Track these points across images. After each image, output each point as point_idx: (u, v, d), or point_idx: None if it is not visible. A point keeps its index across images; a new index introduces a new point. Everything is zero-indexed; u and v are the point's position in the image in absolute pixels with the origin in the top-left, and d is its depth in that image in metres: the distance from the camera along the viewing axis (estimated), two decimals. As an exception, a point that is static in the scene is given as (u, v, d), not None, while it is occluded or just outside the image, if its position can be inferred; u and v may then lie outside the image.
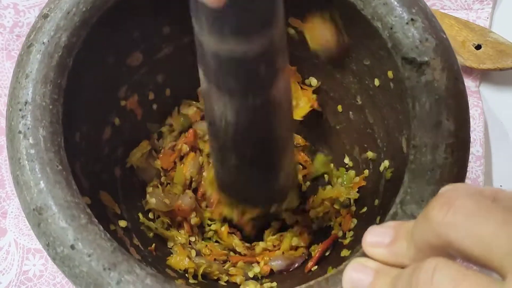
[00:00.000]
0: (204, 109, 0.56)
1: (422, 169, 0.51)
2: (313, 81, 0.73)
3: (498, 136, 0.86)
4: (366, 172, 0.70)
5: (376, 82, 0.64)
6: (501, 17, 0.90)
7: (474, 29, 0.86)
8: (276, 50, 0.48)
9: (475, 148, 0.83)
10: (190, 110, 0.76)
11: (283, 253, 0.72)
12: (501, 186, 0.84)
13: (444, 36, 0.55)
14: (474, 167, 0.82)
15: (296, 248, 0.72)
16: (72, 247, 0.50)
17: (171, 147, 0.76)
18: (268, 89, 0.51)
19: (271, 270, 0.72)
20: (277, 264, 0.71)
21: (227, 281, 0.70)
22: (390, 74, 0.59)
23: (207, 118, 0.57)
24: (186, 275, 0.67)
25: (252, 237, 0.75)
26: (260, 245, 0.72)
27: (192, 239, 0.73)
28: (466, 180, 0.80)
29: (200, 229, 0.75)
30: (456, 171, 0.52)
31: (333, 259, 0.68)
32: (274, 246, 0.73)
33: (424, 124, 0.52)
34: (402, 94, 0.56)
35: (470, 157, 0.81)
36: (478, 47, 0.85)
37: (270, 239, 0.72)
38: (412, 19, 0.55)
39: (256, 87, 0.50)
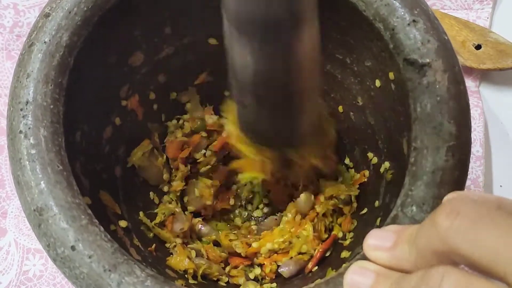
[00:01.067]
0: (226, 53, 0.54)
1: (423, 171, 0.51)
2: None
3: (498, 136, 0.86)
4: (367, 172, 0.70)
5: (377, 83, 0.63)
6: (501, 17, 0.90)
7: (474, 29, 0.86)
8: None
9: (475, 148, 0.83)
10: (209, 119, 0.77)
11: (291, 258, 0.71)
12: (501, 186, 0.84)
13: (446, 38, 0.55)
14: (474, 167, 0.82)
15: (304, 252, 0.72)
16: (73, 248, 0.50)
17: (182, 141, 0.76)
18: (289, 34, 0.49)
19: (276, 273, 0.72)
20: (287, 270, 0.70)
21: (227, 282, 0.70)
22: (391, 75, 0.59)
23: (228, 61, 0.55)
24: (186, 275, 0.67)
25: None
26: (267, 246, 0.72)
27: (187, 241, 0.73)
28: (467, 181, 0.80)
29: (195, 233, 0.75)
30: (457, 173, 0.52)
31: (333, 260, 0.68)
32: (282, 249, 0.72)
33: (425, 126, 0.52)
34: (403, 96, 0.56)
35: (470, 158, 0.81)
36: (478, 47, 0.85)
37: (277, 241, 0.72)
38: (414, 21, 0.55)
39: (276, 33, 0.49)
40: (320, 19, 0.65)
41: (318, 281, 0.50)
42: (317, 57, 0.56)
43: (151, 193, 0.74)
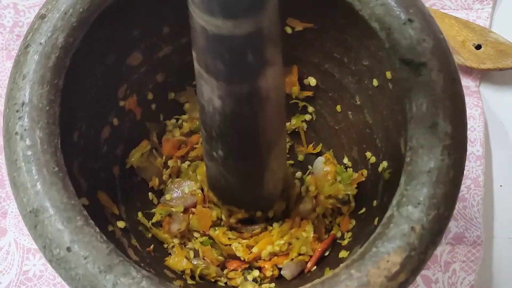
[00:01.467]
0: (197, 94, 0.55)
1: (419, 171, 0.51)
2: (312, 81, 0.73)
3: (498, 136, 0.86)
4: (365, 172, 0.70)
5: (375, 82, 0.63)
6: (501, 17, 0.90)
7: (474, 29, 0.86)
8: (265, 39, 0.47)
9: (475, 148, 0.83)
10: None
11: (292, 259, 0.71)
12: (501, 186, 0.84)
13: (442, 37, 0.55)
14: (474, 167, 0.82)
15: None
16: (68, 249, 0.50)
17: (180, 140, 0.76)
18: (255, 79, 0.50)
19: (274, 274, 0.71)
20: (289, 272, 0.70)
21: (225, 283, 0.70)
22: (388, 74, 0.59)
23: (198, 103, 0.56)
24: (184, 276, 0.67)
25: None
26: (268, 249, 0.71)
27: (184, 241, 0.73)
28: (466, 180, 0.80)
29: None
30: (453, 173, 0.51)
31: (331, 260, 0.68)
32: (282, 251, 0.72)
33: (421, 125, 0.52)
34: (400, 95, 0.56)
35: (470, 157, 0.82)
36: (478, 47, 0.85)
37: (278, 243, 0.71)
38: (409, 20, 0.55)
39: (242, 73, 0.49)
40: (318, 18, 0.66)
41: (315, 281, 0.50)
42: (283, 105, 0.57)
43: (149, 193, 0.74)
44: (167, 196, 0.74)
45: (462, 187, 0.77)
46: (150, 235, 0.70)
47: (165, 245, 0.71)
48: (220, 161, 0.60)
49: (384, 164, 0.65)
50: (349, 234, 0.69)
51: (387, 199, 0.61)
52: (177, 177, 0.76)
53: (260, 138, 0.57)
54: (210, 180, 0.65)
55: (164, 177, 0.75)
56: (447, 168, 0.51)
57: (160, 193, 0.75)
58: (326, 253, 0.71)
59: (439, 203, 0.50)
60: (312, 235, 0.70)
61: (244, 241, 0.71)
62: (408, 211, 0.50)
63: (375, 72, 0.63)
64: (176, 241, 0.71)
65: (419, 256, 0.49)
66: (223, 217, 0.70)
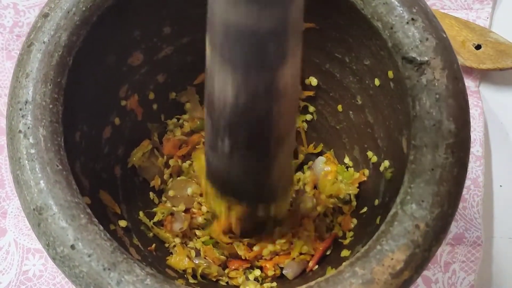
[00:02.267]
0: (205, 83, 0.53)
1: (422, 169, 0.51)
2: (313, 81, 0.73)
3: (498, 136, 0.86)
4: (366, 171, 0.70)
5: (376, 82, 0.63)
6: (501, 17, 0.90)
7: (474, 29, 0.86)
8: (288, 31, 0.46)
9: (475, 148, 0.83)
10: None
11: (293, 258, 0.71)
12: (500, 186, 0.84)
13: (444, 36, 0.55)
14: (474, 167, 0.82)
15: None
16: (72, 247, 0.49)
17: (181, 140, 0.76)
18: (274, 71, 0.48)
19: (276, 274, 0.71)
20: (291, 272, 0.70)
21: (227, 283, 0.70)
22: (390, 74, 0.59)
23: (206, 93, 0.54)
24: (185, 275, 0.67)
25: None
26: (269, 247, 0.71)
27: (185, 240, 0.73)
28: (466, 181, 0.80)
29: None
30: (457, 171, 0.51)
31: (333, 259, 0.68)
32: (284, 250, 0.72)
33: (424, 124, 0.52)
34: (403, 94, 0.56)
35: (470, 157, 0.81)
36: (478, 47, 0.85)
37: (279, 242, 0.71)
38: (412, 19, 0.55)
39: (261, 65, 0.48)
40: (319, 17, 0.66)
41: (319, 279, 0.50)
42: (297, 100, 0.56)
43: (151, 193, 0.74)
44: (170, 193, 0.74)
45: (462, 187, 0.77)
46: (151, 234, 0.70)
47: (167, 245, 0.71)
48: (225, 152, 0.58)
49: (386, 163, 0.65)
50: (351, 233, 0.69)
51: (389, 198, 0.61)
52: (178, 176, 0.76)
53: (271, 132, 0.56)
54: (210, 171, 0.63)
55: (165, 176, 0.75)
56: (451, 166, 0.51)
57: (161, 193, 0.75)
58: (328, 252, 0.71)
59: (442, 201, 0.50)
60: (313, 234, 0.71)
61: (245, 239, 0.71)
62: (412, 209, 0.50)
63: (376, 71, 0.63)
64: (177, 240, 0.71)
65: (423, 253, 0.49)
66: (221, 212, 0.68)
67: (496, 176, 0.85)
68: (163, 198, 0.74)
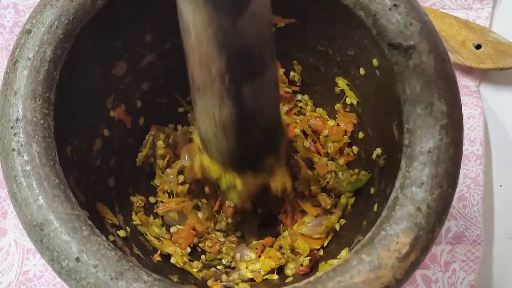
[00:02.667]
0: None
1: (419, 152, 0.51)
2: (297, 76, 0.73)
3: (498, 136, 0.87)
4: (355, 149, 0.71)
5: (362, 71, 0.64)
6: (501, 17, 0.91)
7: (474, 28, 0.86)
8: None
9: (475, 147, 0.83)
10: None
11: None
12: (501, 185, 0.85)
13: (428, 19, 0.56)
14: (474, 166, 0.82)
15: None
16: (77, 259, 0.49)
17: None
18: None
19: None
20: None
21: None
22: (375, 62, 0.60)
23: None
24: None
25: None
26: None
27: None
28: (466, 179, 0.81)
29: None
30: (452, 151, 0.52)
31: (332, 251, 0.69)
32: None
33: (416, 107, 0.52)
34: (390, 81, 0.56)
35: (470, 156, 0.82)
36: (478, 46, 0.86)
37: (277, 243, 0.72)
38: (395, 5, 0.55)
39: None
40: (299, 12, 0.66)
41: (326, 270, 0.50)
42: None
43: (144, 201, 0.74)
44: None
45: (462, 186, 0.78)
46: (151, 248, 0.70)
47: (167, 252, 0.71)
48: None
49: (378, 151, 0.65)
50: (347, 222, 0.69)
51: (385, 185, 0.62)
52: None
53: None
54: (202, 139, 0.63)
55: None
56: (446, 146, 0.51)
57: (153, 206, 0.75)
58: (321, 253, 0.71)
59: (441, 181, 0.51)
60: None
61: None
62: (413, 192, 0.50)
63: (360, 61, 0.63)
64: (178, 250, 0.71)
65: (427, 235, 0.49)
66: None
67: (496, 176, 0.85)
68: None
